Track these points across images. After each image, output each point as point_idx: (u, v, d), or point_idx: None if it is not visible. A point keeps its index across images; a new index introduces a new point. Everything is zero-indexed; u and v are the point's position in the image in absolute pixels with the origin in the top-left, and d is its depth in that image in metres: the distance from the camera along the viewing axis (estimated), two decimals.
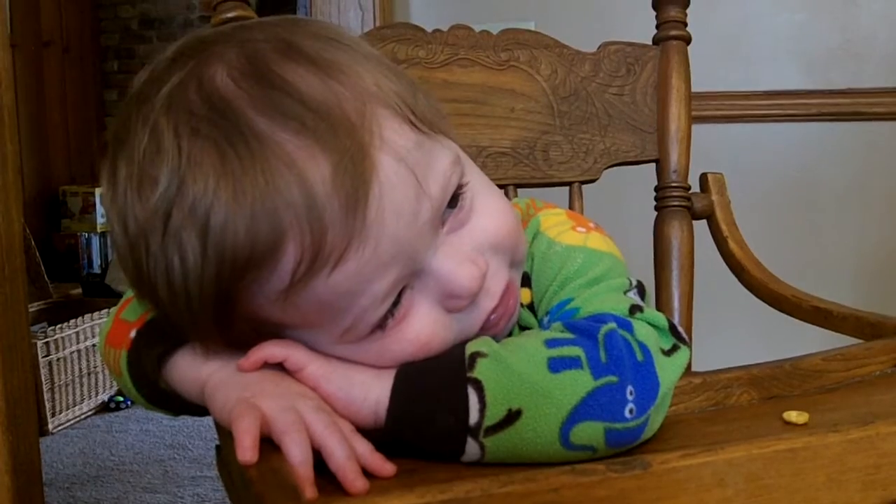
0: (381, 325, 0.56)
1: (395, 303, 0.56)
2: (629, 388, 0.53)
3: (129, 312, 0.65)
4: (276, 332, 0.57)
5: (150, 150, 0.53)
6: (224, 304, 0.54)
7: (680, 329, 0.60)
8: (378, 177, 0.52)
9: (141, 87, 0.57)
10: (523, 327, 0.65)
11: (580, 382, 0.53)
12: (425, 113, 0.58)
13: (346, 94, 0.53)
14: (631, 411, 0.53)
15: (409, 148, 0.54)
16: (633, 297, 0.61)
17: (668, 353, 0.57)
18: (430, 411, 0.53)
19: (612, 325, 0.55)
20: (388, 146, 0.53)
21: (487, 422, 0.52)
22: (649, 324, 0.58)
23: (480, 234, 0.59)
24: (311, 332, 0.57)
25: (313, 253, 0.51)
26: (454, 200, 0.58)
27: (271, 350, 0.56)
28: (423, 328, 0.57)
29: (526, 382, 0.53)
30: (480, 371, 0.53)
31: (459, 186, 0.58)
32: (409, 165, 0.54)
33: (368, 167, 0.52)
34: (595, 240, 0.66)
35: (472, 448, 0.53)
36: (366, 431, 0.53)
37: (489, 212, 0.60)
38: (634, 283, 0.63)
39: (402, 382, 0.55)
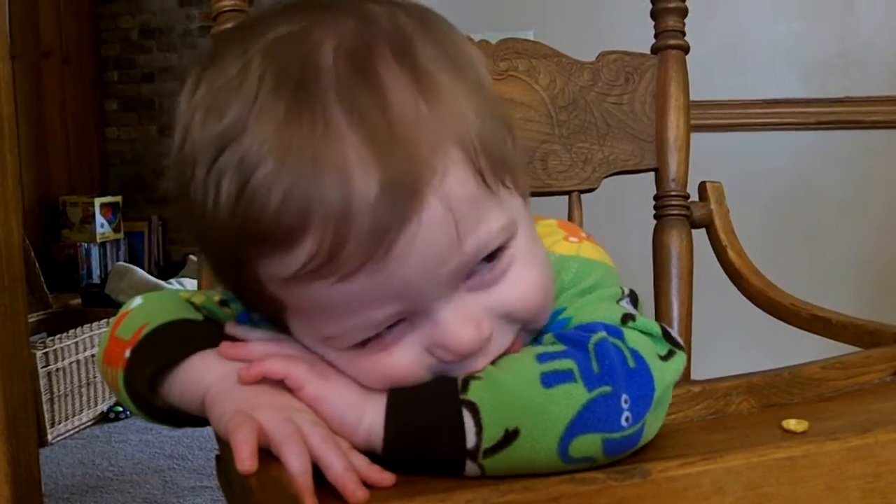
0: (363, 343, 0.55)
1: (388, 327, 0.55)
2: (623, 397, 0.53)
3: (124, 330, 0.64)
4: (273, 304, 0.56)
5: (232, 83, 0.53)
6: (235, 257, 0.54)
7: (674, 335, 0.59)
8: (420, 216, 0.50)
9: (253, 20, 0.56)
10: None
11: (574, 396, 0.52)
12: (504, 162, 0.55)
13: (429, 122, 0.51)
14: (627, 419, 0.53)
15: (463, 199, 0.52)
16: (626, 305, 0.61)
17: (664, 358, 0.57)
18: (426, 437, 0.53)
19: (603, 333, 0.55)
20: (443, 190, 0.51)
21: (485, 444, 0.52)
22: (641, 331, 0.57)
23: (498, 300, 0.56)
24: (300, 322, 0.57)
25: (327, 257, 0.50)
26: (490, 257, 0.55)
27: (272, 366, 0.56)
28: (402, 363, 0.55)
29: (521, 400, 0.52)
30: (474, 393, 0.53)
31: (499, 248, 0.55)
32: (455, 216, 0.51)
33: (416, 203, 0.50)
34: (588, 249, 0.66)
35: (471, 469, 0.52)
36: (360, 450, 0.54)
37: (519, 283, 0.57)
38: (627, 291, 0.63)
39: (395, 409, 0.54)
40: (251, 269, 0.54)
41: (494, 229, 0.54)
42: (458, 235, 0.52)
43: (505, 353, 0.57)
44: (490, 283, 0.56)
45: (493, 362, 0.56)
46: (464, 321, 0.54)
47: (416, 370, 0.55)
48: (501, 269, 0.56)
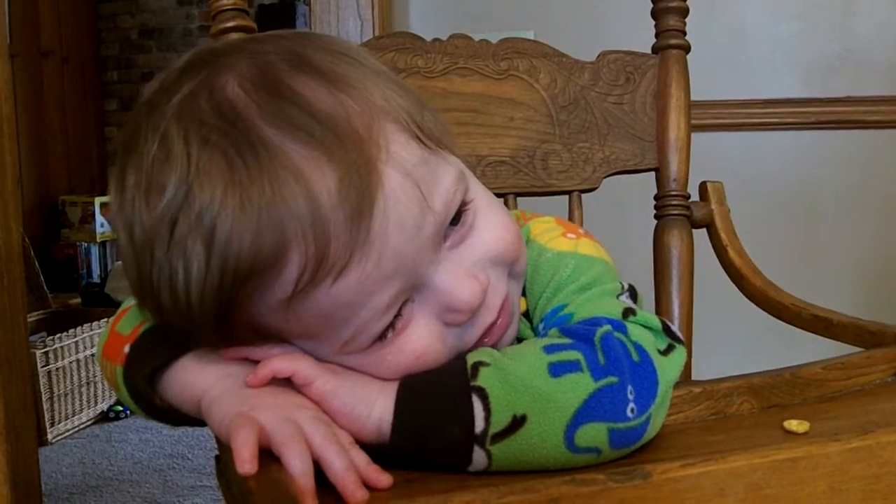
0: (381, 337, 0.56)
1: (397, 315, 0.56)
2: (629, 388, 0.54)
3: (124, 325, 0.65)
4: (277, 340, 0.57)
5: (158, 157, 0.53)
6: (226, 312, 0.54)
7: (674, 329, 0.60)
8: (384, 190, 0.52)
9: (151, 97, 0.57)
10: (518, 339, 0.64)
11: (581, 385, 0.53)
12: (431, 129, 0.59)
13: (355, 108, 0.54)
14: (632, 410, 0.53)
15: (414, 163, 0.55)
16: (626, 300, 0.62)
17: (664, 352, 0.57)
18: (435, 423, 0.53)
19: (607, 327, 0.56)
20: (394, 160, 0.54)
21: (493, 429, 0.52)
22: (643, 326, 0.58)
23: (481, 248, 0.59)
24: (312, 342, 0.57)
25: (316, 263, 0.51)
26: (457, 217, 0.58)
27: (279, 365, 0.56)
28: (419, 340, 0.57)
29: (529, 388, 0.53)
30: (484, 379, 0.53)
31: (463, 204, 0.59)
32: (414, 180, 0.54)
33: (374, 180, 0.52)
34: (585, 245, 0.67)
35: (478, 457, 0.53)
36: (368, 444, 0.54)
37: (490, 226, 0.60)
38: (626, 286, 0.64)
39: (405, 396, 0.55)
40: (246, 313, 0.54)
41: (451, 182, 0.58)
42: (424, 197, 0.55)
43: (504, 307, 0.60)
44: (466, 236, 0.59)
45: (501, 350, 0.57)
46: (461, 277, 0.57)
47: (436, 343, 0.57)
48: (470, 223, 0.59)
